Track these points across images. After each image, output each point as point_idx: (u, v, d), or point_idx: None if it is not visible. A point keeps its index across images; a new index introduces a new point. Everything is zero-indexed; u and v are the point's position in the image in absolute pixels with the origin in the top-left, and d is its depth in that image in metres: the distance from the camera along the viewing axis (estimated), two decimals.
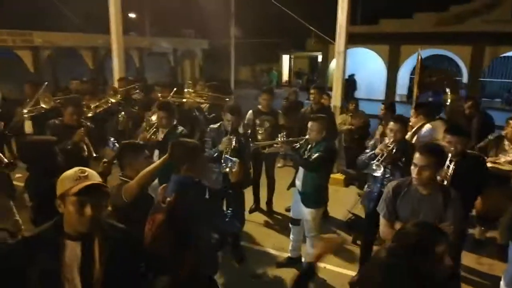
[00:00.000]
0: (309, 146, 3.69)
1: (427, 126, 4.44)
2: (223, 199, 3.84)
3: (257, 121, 5.07)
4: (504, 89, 17.28)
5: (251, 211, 5.32)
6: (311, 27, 8.26)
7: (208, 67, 20.68)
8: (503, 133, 4.41)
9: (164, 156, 2.48)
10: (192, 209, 2.03)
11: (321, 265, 4.10)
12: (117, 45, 7.67)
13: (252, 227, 4.92)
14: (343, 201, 5.64)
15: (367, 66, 17.90)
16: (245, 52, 17.71)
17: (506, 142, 4.33)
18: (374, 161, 3.32)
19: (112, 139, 3.68)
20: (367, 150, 3.62)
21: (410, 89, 19.48)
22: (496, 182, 3.76)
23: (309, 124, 3.63)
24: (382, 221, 2.54)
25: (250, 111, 5.13)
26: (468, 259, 4.27)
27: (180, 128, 4.01)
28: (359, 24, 16.66)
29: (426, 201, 2.39)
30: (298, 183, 3.75)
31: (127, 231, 1.80)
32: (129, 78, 7.71)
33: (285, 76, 21.92)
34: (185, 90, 5.54)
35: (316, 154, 3.53)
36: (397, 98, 16.85)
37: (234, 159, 2.68)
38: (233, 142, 3.65)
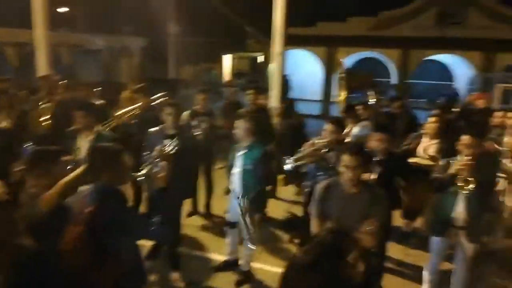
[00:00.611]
0: (242, 151, 3.57)
1: (357, 127, 4.65)
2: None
3: (194, 122, 4.96)
4: (430, 91, 18.70)
5: (189, 215, 5.19)
6: (248, 28, 8.29)
7: (148, 66, 19.98)
8: (423, 130, 4.72)
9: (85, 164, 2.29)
10: (113, 219, 1.90)
11: (258, 266, 4.13)
12: (41, 41, 7.11)
13: (190, 232, 4.80)
14: (282, 200, 5.71)
15: (305, 67, 18.42)
16: (186, 51, 17.38)
17: (426, 139, 4.63)
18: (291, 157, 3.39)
19: (29, 144, 3.35)
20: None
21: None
22: (419, 176, 4.00)
23: (237, 122, 3.56)
24: (313, 220, 2.57)
25: (186, 112, 4.99)
26: (395, 250, 4.51)
27: (107, 133, 3.78)
28: (297, 26, 17.08)
29: (354, 199, 2.47)
30: (235, 187, 3.69)
31: (38, 253, 1.62)
32: (54, 76, 7.15)
33: (227, 77, 21.88)
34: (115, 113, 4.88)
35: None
36: (333, 99, 17.54)
37: (160, 163, 2.55)
38: (169, 148, 3.51)
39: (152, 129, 3.85)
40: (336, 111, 15.69)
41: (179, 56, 16.12)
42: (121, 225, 1.91)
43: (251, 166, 3.50)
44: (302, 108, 13.75)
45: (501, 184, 4.27)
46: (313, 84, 17.72)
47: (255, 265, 4.10)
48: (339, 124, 3.55)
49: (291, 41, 15.62)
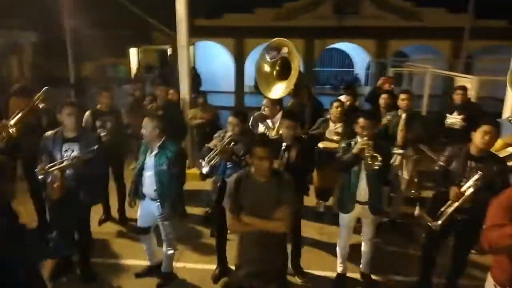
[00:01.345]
0: (155, 151, 3.40)
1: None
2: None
3: (98, 123, 4.62)
4: (332, 77, 20.04)
5: (100, 222, 4.87)
6: (151, 20, 7.95)
7: (43, 64, 18.10)
8: (328, 115, 5.02)
9: None
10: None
11: (180, 265, 4.05)
12: None
13: (104, 240, 4.51)
14: (200, 195, 5.65)
15: (217, 59, 18.37)
16: (87, 46, 16.09)
17: (331, 123, 4.93)
18: (205, 159, 3.36)
19: None
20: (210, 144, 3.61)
21: None
22: (328, 159, 4.24)
23: (144, 121, 3.36)
24: (228, 214, 2.57)
25: (88, 112, 4.61)
26: (311, 230, 4.77)
27: None
28: (205, 17, 16.89)
29: (265, 188, 2.53)
30: (148, 190, 3.48)
31: None
32: None
33: (134, 71, 20.85)
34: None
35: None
36: (247, 89, 17.78)
37: (55, 172, 2.31)
38: (71, 155, 3.23)
39: (48, 133, 3.48)
40: (251, 101, 16.11)
41: (79, 52, 14.88)
42: (7, 247, 1.69)
43: (165, 167, 3.35)
44: (216, 100, 13.81)
45: (397, 159, 4.76)
46: (225, 75, 17.76)
47: (178, 264, 4.01)
48: (243, 116, 3.55)
49: (199, 32, 15.52)
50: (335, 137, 4.75)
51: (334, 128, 4.87)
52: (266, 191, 2.52)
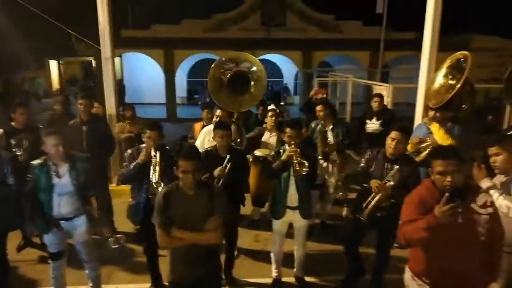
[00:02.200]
0: (64, 169, 3.16)
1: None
2: None
3: (13, 141, 4.25)
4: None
5: (19, 249, 4.45)
6: (72, 32, 7.54)
7: None
8: (264, 126, 5.14)
9: None
10: None
11: (112, 286, 3.84)
12: None
13: (23, 268, 4.14)
14: None
15: (146, 71, 17.91)
16: (1, 59, 14.80)
17: (266, 132, 5.05)
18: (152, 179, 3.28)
19: None
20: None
21: (189, 91, 20.68)
22: (263, 166, 4.32)
23: (46, 139, 3.12)
24: (158, 231, 2.51)
25: (0, 131, 4.23)
26: (246, 237, 4.82)
27: None
28: (132, 28, 16.42)
29: (194, 200, 2.51)
30: (62, 209, 3.18)
31: None
32: None
33: (55, 84, 19.53)
34: None
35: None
36: (178, 101, 17.55)
37: None
38: None
39: None
40: (182, 113, 15.89)
41: None
42: None
43: (78, 184, 3.16)
44: (147, 113, 13.42)
45: (324, 164, 5.00)
46: (155, 87, 17.38)
47: (109, 286, 3.80)
48: (159, 128, 3.50)
49: (126, 44, 15.04)
50: (270, 145, 4.90)
51: (269, 137, 5.00)
52: (196, 203, 2.50)
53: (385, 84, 7.87)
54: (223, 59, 4.67)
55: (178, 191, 2.52)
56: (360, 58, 17.40)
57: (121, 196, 5.99)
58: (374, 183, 3.23)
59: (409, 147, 4.21)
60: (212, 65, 4.64)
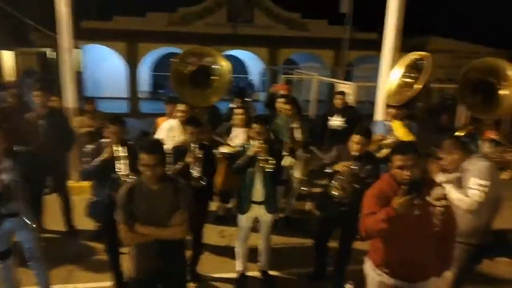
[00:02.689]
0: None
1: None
2: None
3: None
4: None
5: None
6: (29, 21, 7.18)
7: None
8: (232, 122, 5.11)
9: None
10: None
11: (71, 286, 3.72)
12: None
13: None
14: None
15: (108, 64, 17.35)
16: None
17: (234, 129, 5.04)
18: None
19: None
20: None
21: (154, 86, 20.25)
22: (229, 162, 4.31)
23: None
24: (121, 227, 2.45)
25: None
26: (212, 233, 4.81)
27: None
28: (93, 19, 15.81)
29: (158, 195, 2.47)
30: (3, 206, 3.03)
31: None
32: None
33: (9, 76, 18.47)
34: None
35: None
36: (142, 95, 17.16)
37: None
38: None
39: None
40: (146, 108, 15.52)
41: None
42: None
43: (20, 180, 3.00)
44: (108, 107, 13.01)
45: (289, 160, 5.06)
46: (117, 81, 16.87)
47: (69, 286, 3.68)
48: (122, 122, 3.41)
49: (87, 35, 14.47)
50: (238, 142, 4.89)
51: (236, 134, 4.99)
52: (161, 198, 2.46)
53: (349, 83, 8.07)
54: (186, 53, 4.61)
55: (141, 186, 2.47)
56: (324, 57, 17.74)
57: (81, 193, 5.81)
58: (341, 164, 3.35)
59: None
60: (174, 59, 4.59)
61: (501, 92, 4.03)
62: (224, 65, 4.58)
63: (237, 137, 4.97)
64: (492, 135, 4.02)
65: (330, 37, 16.50)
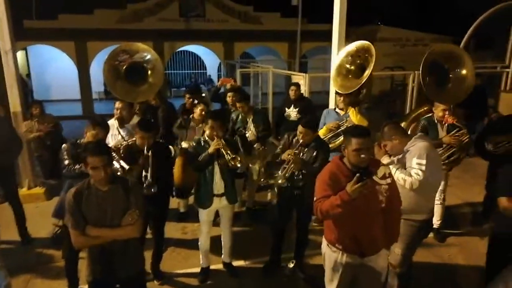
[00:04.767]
0: None
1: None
2: None
3: None
4: (186, 79, 20.24)
5: None
6: None
7: None
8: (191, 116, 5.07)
9: None
10: None
11: None
12: None
13: None
14: (47, 215, 5.07)
15: (57, 65, 16.55)
16: None
17: (192, 124, 5.02)
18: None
19: None
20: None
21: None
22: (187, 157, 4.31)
23: None
24: (71, 231, 2.41)
25: None
26: (174, 230, 4.81)
27: None
28: (36, 19, 14.99)
29: (108, 196, 2.45)
30: None
31: None
32: None
33: None
34: None
35: None
36: (95, 96, 16.56)
37: None
38: None
39: None
40: (100, 109, 14.98)
41: None
42: None
43: None
44: (61, 110, 12.47)
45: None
46: (68, 82, 16.15)
47: None
48: (103, 124, 3.42)
49: (30, 35, 13.73)
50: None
51: (197, 128, 4.99)
52: (111, 199, 2.43)
53: (302, 74, 8.24)
54: (116, 51, 4.60)
55: (90, 189, 2.43)
56: (280, 49, 17.92)
57: (34, 200, 5.62)
58: (286, 153, 3.51)
59: (323, 131, 4.52)
60: (106, 59, 4.58)
61: (453, 76, 4.34)
62: (155, 59, 4.64)
63: (196, 133, 4.98)
64: (451, 119, 4.25)
65: (283, 30, 16.70)
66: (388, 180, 2.58)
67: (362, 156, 2.44)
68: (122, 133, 4.40)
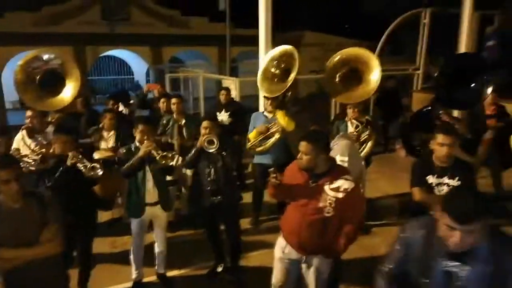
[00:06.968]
0: None
1: None
2: None
3: None
4: (112, 85, 19.37)
5: None
6: None
7: None
8: (101, 125, 4.84)
9: None
10: None
11: None
12: None
13: None
14: None
15: None
16: None
17: (104, 132, 4.79)
18: None
19: None
20: None
21: None
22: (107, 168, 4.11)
23: None
24: None
25: None
26: (103, 245, 4.53)
27: None
28: None
29: (22, 213, 2.25)
30: None
31: None
32: None
33: None
34: None
35: None
36: (9, 106, 15.18)
37: None
38: None
39: None
40: (14, 119, 13.68)
41: None
42: None
43: None
44: None
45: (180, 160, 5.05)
46: None
47: None
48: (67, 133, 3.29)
49: None
50: (109, 146, 4.71)
51: (107, 137, 4.79)
52: (25, 216, 2.23)
53: (233, 78, 8.33)
54: (28, 58, 4.31)
55: (1, 207, 2.21)
56: (209, 54, 17.92)
57: None
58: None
59: (253, 134, 4.61)
60: (17, 66, 4.29)
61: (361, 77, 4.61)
62: (71, 66, 4.44)
63: (106, 140, 4.80)
64: (356, 117, 4.56)
65: (212, 34, 16.72)
66: (339, 195, 2.48)
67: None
68: (30, 143, 4.11)
